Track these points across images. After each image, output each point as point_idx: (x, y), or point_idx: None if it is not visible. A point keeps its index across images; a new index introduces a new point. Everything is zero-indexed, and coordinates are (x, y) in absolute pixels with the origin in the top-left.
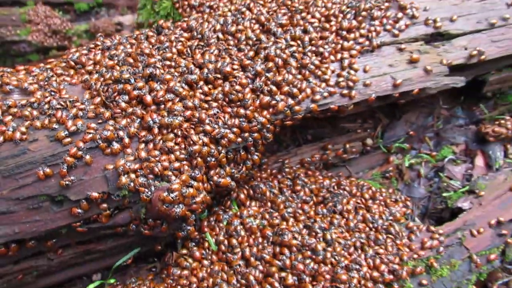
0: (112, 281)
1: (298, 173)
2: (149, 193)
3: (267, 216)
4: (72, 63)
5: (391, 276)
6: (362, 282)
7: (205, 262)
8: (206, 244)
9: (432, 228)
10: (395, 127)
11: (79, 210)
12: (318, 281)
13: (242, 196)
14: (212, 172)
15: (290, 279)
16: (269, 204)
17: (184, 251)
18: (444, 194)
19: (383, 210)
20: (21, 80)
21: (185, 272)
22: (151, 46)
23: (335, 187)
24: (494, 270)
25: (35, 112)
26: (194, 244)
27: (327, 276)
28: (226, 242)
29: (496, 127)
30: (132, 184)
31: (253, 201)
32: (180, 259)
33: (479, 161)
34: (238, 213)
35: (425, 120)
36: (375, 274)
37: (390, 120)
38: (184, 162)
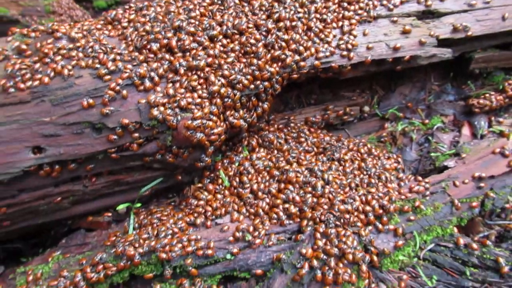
0: (138, 205)
1: (302, 128)
2: (175, 120)
3: (273, 160)
4: (110, 19)
5: (381, 210)
6: (355, 213)
7: (219, 196)
8: (220, 181)
9: (419, 178)
10: (390, 98)
11: (115, 137)
12: (317, 210)
13: (253, 142)
14: (228, 112)
15: (293, 209)
16: (275, 151)
17: (200, 185)
18: (432, 154)
19: (376, 162)
20: (68, 30)
21: (201, 202)
22: (177, 8)
23: (335, 142)
24: (476, 224)
25: (80, 54)
26: (209, 181)
27: (325, 207)
28: (237, 179)
29: (481, 99)
30: (161, 115)
31: (262, 148)
32: (197, 192)
33: (466, 130)
34: (248, 156)
35: (418, 94)
36: (367, 208)
37: (385, 92)
38: (205, 100)
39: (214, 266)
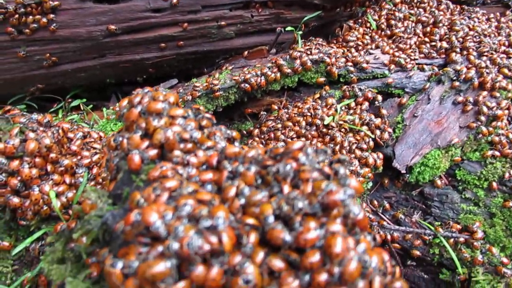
0: (300, 32)
1: None
2: None
3: (415, 12)
4: None
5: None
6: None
7: (367, 37)
8: (368, 25)
9: None
10: None
11: None
12: (464, 47)
13: None
14: None
15: (444, 44)
16: (416, 8)
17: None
18: None
19: (509, 25)
20: None
21: (353, 38)
22: None
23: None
24: None
25: None
26: (358, 25)
27: (471, 43)
28: (385, 22)
29: None
30: None
31: (403, 4)
32: (347, 31)
33: None
34: (393, 7)
35: None
36: (509, 49)
37: None
38: None
39: (372, 81)
